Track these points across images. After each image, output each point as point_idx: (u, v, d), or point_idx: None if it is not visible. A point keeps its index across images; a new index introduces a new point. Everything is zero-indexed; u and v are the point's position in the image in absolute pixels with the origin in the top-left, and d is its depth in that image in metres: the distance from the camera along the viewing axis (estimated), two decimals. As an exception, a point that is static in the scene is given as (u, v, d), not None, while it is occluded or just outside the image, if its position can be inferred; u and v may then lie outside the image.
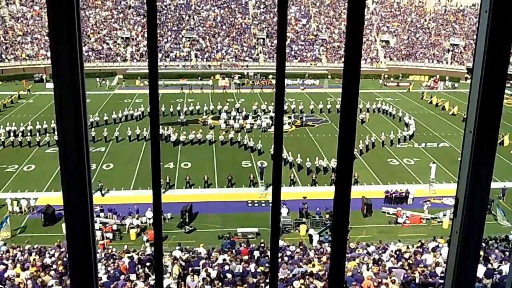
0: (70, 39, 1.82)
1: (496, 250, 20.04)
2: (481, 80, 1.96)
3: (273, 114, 52.89)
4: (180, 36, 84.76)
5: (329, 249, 21.99)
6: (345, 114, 1.79)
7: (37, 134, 44.40)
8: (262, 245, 23.09)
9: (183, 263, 18.78)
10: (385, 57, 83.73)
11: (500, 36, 1.91)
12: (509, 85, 63.69)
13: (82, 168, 1.98)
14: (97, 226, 27.07)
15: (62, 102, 1.89)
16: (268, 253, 21.03)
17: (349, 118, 1.79)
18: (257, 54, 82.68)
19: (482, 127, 2.00)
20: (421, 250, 21.15)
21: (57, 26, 1.80)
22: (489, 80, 1.96)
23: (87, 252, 2.11)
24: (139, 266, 19.21)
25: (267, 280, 15.16)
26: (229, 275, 16.57)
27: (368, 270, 16.84)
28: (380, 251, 21.49)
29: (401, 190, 33.34)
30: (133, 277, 17.24)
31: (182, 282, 16.43)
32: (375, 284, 14.91)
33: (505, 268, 16.38)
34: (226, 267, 17.70)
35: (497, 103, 1.99)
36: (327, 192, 32.68)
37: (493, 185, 31.55)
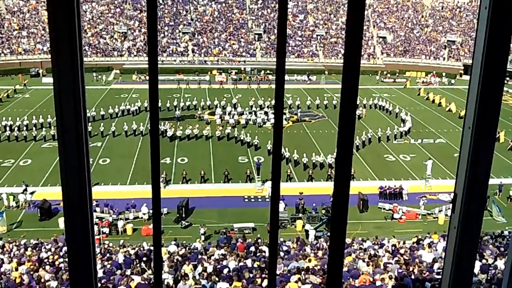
0: (70, 34, 1.81)
1: (491, 246, 20.12)
2: (480, 77, 1.97)
3: (268, 110, 52.75)
4: (177, 31, 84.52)
5: (325, 244, 22.05)
6: (344, 110, 1.79)
7: (34, 128, 44.30)
8: (259, 240, 23.12)
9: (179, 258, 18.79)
10: (382, 53, 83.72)
11: (499, 32, 1.92)
12: (507, 82, 63.90)
13: (81, 163, 1.98)
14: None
15: (62, 96, 1.89)
16: (261, 248, 21.06)
17: (348, 114, 1.79)
18: (254, 50, 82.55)
19: (480, 123, 2.01)
20: (416, 245, 21.23)
21: (57, 21, 1.80)
22: (488, 77, 1.96)
23: (85, 246, 2.11)
24: (137, 260, 19.23)
25: (263, 275, 15.18)
26: (225, 270, 16.56)
27: (368, 266, 16.87)
28: (376, 247, 21.55)
29: (395, 186, 33.45)
30: (129, 272, 17.22)
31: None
32: (371, 279, 14.94)
33: (499, 263, 16.46)
34: (224, 262, 17.71)
35: (496, 99, 2.00)
36: (324, 187, 32.74)
37: (490, 181, 31.59)
